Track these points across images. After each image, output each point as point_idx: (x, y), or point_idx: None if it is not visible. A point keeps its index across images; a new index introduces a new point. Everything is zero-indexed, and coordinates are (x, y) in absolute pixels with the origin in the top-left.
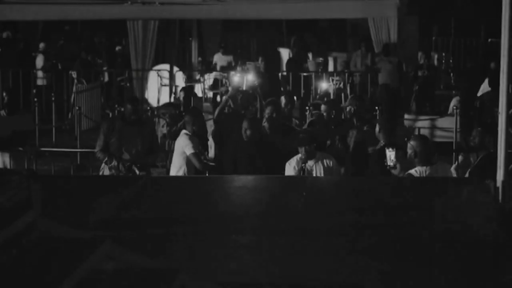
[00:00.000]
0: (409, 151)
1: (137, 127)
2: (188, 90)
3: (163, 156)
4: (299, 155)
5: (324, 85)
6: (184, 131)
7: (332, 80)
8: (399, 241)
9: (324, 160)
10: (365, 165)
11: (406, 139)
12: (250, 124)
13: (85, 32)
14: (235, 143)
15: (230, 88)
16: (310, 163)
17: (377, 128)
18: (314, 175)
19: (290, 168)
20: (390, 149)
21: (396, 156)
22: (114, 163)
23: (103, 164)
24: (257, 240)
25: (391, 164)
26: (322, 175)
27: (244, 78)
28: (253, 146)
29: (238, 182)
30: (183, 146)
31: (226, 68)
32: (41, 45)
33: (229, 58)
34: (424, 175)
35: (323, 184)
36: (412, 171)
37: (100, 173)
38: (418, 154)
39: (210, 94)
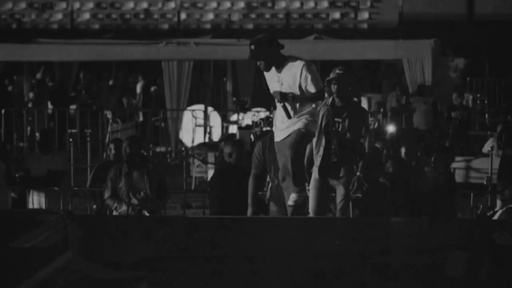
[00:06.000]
0: None
1: (143, 170)
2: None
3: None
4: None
5: (391, 128)
6: None
7: None
8: None
9: None
10: None
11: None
12: (233, 148)
13: (120, 72)
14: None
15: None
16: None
17: (432, 159)
18: None
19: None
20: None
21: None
22: (124, 208)
23: (114, 211)
24: None
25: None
26: None
27: None
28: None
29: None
30: None
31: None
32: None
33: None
34: None
35: None
36: None
37: None
38: None
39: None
